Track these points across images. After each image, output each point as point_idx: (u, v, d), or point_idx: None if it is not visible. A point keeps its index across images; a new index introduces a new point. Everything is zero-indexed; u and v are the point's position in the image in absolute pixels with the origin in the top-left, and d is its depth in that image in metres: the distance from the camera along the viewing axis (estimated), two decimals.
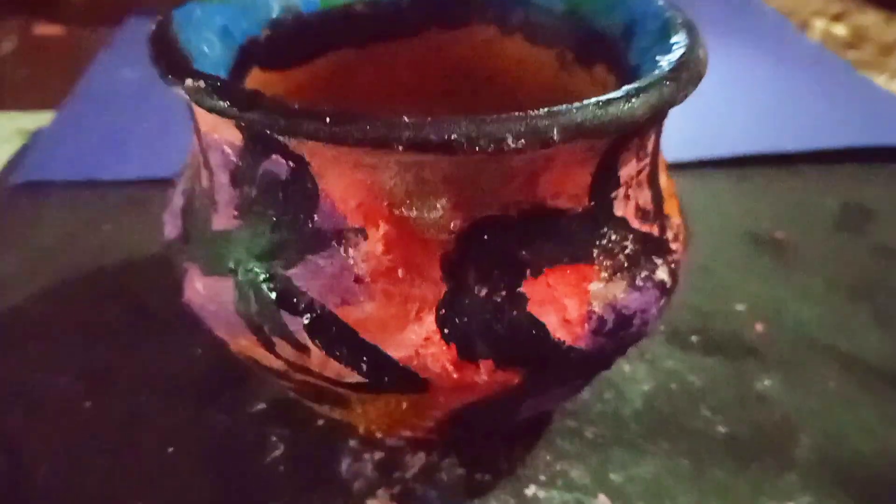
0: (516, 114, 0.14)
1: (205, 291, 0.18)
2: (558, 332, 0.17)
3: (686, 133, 0.38)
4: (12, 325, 0.26)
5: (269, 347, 0.17)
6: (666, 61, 0.17)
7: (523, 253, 0.17)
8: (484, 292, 0.16)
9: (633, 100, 0.15)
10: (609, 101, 0.15)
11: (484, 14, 0.24)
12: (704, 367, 0.25)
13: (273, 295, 0.17)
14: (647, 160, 0.18)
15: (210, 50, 0.19)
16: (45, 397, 0.23)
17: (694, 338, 0.26)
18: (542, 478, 0.21)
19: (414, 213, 0.16)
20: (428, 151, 0.14)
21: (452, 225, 0.16)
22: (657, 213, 0.19)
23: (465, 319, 0.16)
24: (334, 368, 0.17)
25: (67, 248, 0.30)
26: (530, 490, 0.20)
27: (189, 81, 0.16)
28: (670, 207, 0.20)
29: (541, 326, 0.17)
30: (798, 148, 0.38)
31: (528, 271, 0.17)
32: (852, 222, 0.33)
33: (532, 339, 0.17)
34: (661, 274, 0.19)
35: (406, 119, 0.14)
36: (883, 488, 0.21)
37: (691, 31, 0.19)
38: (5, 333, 0.26)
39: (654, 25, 0.20)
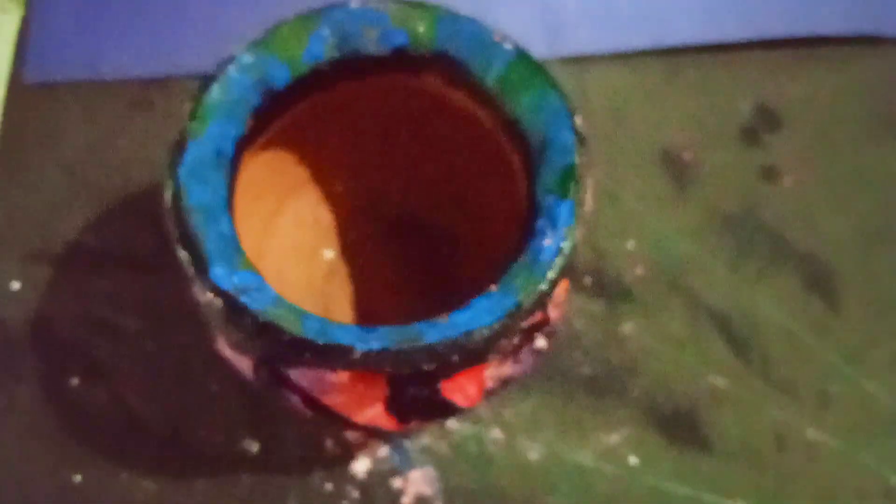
0: (427, 346, 0.22)
1: (231, 357, 0.27)
2: (461, 402, 0.27)
3: (619, 19, 0.41)
4: (73, 258, 0.35)
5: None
6: (544, 260, 0.24)
7: (440, 372, 0.26)
8: (413, 391, 0.26)
9: (514, 317, 0.23)
10: (495, 325, 0.23)
11: (433, 68, 0.28)
12: (588, 310, 0.35)
13: (276, 379, 0.26)
14: None
15: (212, 190, 0.25)
16: (119, 332, 0.33)
17: (587, 279, 0.35)
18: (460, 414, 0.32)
19: None
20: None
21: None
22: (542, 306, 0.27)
23: (401, 405, 0.26)
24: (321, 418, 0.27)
25: (93, 166, 0.36)
26: (450, 424, 0.32)
27: (209, 297, 0.23)
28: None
29: (449, 403, 0.27)
30: (743, 37, 0.41)
31: (442, 379, 0.26)
32: (757, 132, 0.39)
33: (443, 409, 0.27)
34: (539, 343, 0.28)
35: (356, 355, 0.22)
36: (682, 422, 0.33)
37: (580, 193, 0.25)
38: (70, 265, 0.35)
39: (559, 164, 0.25)
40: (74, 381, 0.32)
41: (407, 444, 0.31)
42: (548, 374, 0.33)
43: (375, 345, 0.22)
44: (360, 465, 0.31)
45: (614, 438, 0.32)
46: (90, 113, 0.38)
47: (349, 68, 0.28)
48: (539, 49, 0.39)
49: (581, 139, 0.25)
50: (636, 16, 0.41)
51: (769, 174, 0.38)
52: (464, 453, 0.31)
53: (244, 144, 0.27)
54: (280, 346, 0.22)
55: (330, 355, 0.22)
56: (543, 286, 0.23)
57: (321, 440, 0.31)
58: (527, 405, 0.32)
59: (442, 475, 0.31)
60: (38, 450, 0.31)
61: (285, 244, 0.33)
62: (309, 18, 0.27)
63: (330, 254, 0.34)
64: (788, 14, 0.41)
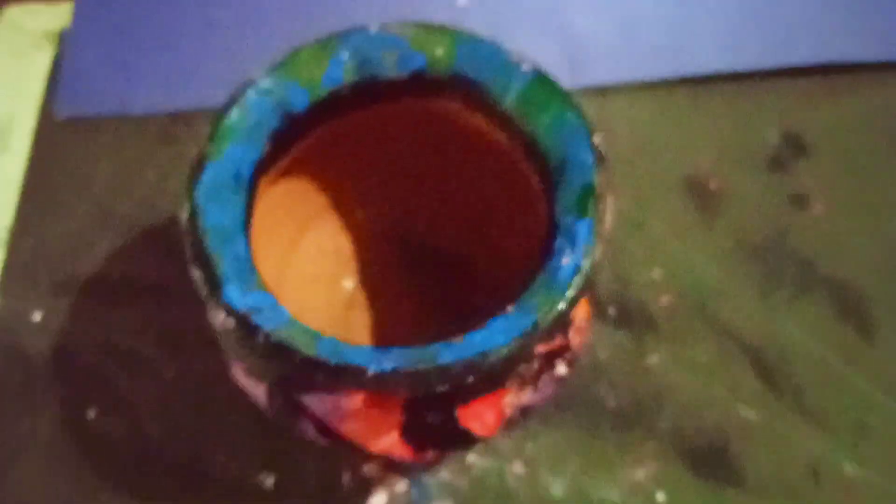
0: (442, 366, 0.22)
1: (246, 385, 0.27)
2: (479, 432, 0.26)
3: (642, 49, 0.41)
4: (96, 288, 0.35)
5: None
6: (562, 279, 0.23)
7: (455, 396, 0.25)
8: (429, 418, 0.25)
9: (531, 337, 0.22)
10: (512, 345, 0.22)
11: (451, 91, 0.28)
12: (613, 341, 0.34)
13: (291, 407, 0.26)
14: None
15: (229, 212, 0.25)
16: (139, 361, 0.33)
17: (611, 310, 0.34)
18: (480, 447, 0.31)
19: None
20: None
21: (406, 394, 0.24)
22: (561, 328, 0.27)
23: (417, 434, 0.25)
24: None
25: (119, 198, 0.37)
26: (470, 458, 0.31)
27: (222, 317, 0.23)
28: (578, 308, 0.27)
29: (467, 432, 0.26)
30: (768, 65, 0.40)
31: (459, 404, 0.25)
32: (784, 160, 0.39)
33: (461, 438, 0.26)
34: (560, 370, 0.27)
35: (369, 375, 0.22)
36: (712, 456, 0.31)
37: (599, 211, 0.24)
38: (93, 295, 0.35)
39: (577, 183, 0.25)
40: (93, 410, 0.32)
41: (426, 478, 0.31)
42: (572, 406, 0.32)
43: (388, 365, 0.22)
44: (378, 500, 0.30)
45: (641, 473, 0.31)
46: (118, 147, 0.38)
47: (368, 93, 0.28)
48: (561, 79, 0.39)
49: (600, 158, 0.25)
50: (659, 46, 0.41)
51: (798, 201, 0.37)
52: (484, 488, 0.30)
53: (263, 168, 0.27)
54: (293, 366, 0.22)
55: (343, 376, 0.22)
56: (562, 305, 0.23)
57: (338, 474, 0.31)
58: (550, 438, 0.31)
59: None
60: (54, 479, 0.31)
61: (306, 272, 0.33)
62: (328, 43, 0.27)
63: (350, 283, 0.34)
64: (814, 41, 0.41)
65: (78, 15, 0.42)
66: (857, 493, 0.30)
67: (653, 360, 0.33)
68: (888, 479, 0.30)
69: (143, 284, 0.35)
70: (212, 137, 0.25)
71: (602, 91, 0.40)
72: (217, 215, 0.24)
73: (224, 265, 0.23)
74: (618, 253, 0.36)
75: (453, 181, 0.32)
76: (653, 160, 0.38)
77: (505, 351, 0.22)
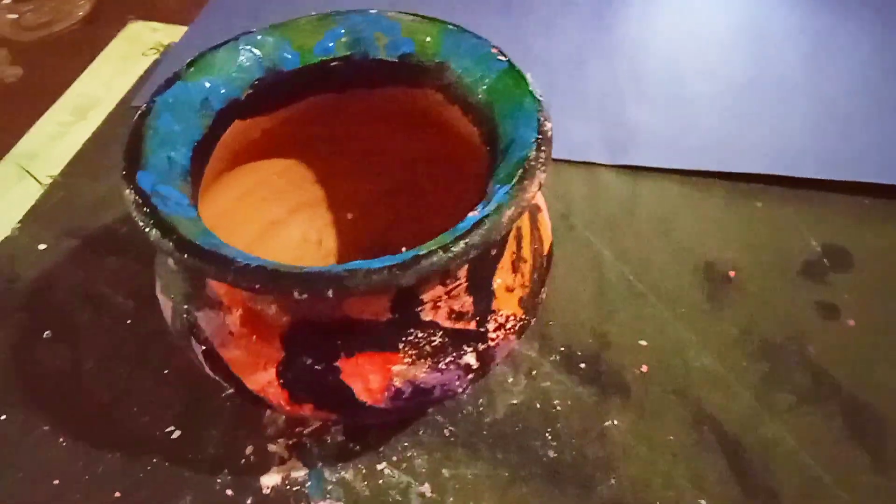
0: (303, 273, 0.21)
1: (161, 301, 0.27)
2: (362, 396, 0.24)
3: (685, 141, 0.40)
4: (102, 239, 0.37)
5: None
6: (459, 228, 0.22)
7: (338, 342, 0.23)
8: (309, 362, 0.24)
9: (409, 271, 0.21)
10: (380, 275, 0.21)
11: (432, 83, 0.29)
12: (573, 395, 0.31)
13: (187, 325, 0.25)
14: (461, 282, 0.24)
15: (184, 125, 0.26)
16: (104, 306, 0.34)
17: (583, 365, 0.32)
18: (394, 458, 0.29)
19: (258, 307, 0.23)
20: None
21: (283, 320, 0.23)
22: (479, 312, 0.25)
23: (295, 377, 0.24)
24: (218, 380, 0.25)
25: None
26: (381, 465, 0.29)
27: (127, 193, 0.23)
28: (505, 303, 0.25)
29: (348, 389, 0.24)
30: (818, 175, 0.38)
31: (342, 353, 0.24)
32: (821, 269, 0.35)
33: (340, 396, 0.24)
34: (468, 359, 0.25)
35: (234, 266, 0.21)
36: None
37: (521, 179, 0.23)
38: (96, 244, 0.36)
39: (515, 157, 0.24)
40: (48, 334, 0.33)
41: (326, 471, 0.28)
42: (505, 446, 0.29)
43: (255, 263, 0.21)
44: (270, 480, 0.28)
45: None
46: None
47: (358, 70, 0.29)
48: (601, 156, 0.39)
49: (544, 138, 0.24)
50: (707, 141, 0.40)
51: (827, 311, 0.34)
52: (383, 499, 0.28)
53: (239, 110, 0.28)
54: (172, 247, 0.22)
55: (210, 262, 0.21)
56: (453, 248, 0.21)
57: (243, 446, 0.29)
58: (470, 470, 0.28)
59: None
60: None
61: (282, 256, 0.33)
62: (328, 17, 0.29)
63: None
64: (874, 161, 0.38)
65: (188, 35, 0.47)
66: None
67: (613, 424, 0.30)
68: None
69: (143, 245, 0.36)
70: (191, 65, 0.27)
71: (636, 169, 0.39)
72: (168, 122, 0.26)
73: (152, 159, 0.24)
74: (606, 314, 0.33)
75: (433, 193, 0.32)
76: (672, 239, 0.36)
77: (373, 276, 0.21)
